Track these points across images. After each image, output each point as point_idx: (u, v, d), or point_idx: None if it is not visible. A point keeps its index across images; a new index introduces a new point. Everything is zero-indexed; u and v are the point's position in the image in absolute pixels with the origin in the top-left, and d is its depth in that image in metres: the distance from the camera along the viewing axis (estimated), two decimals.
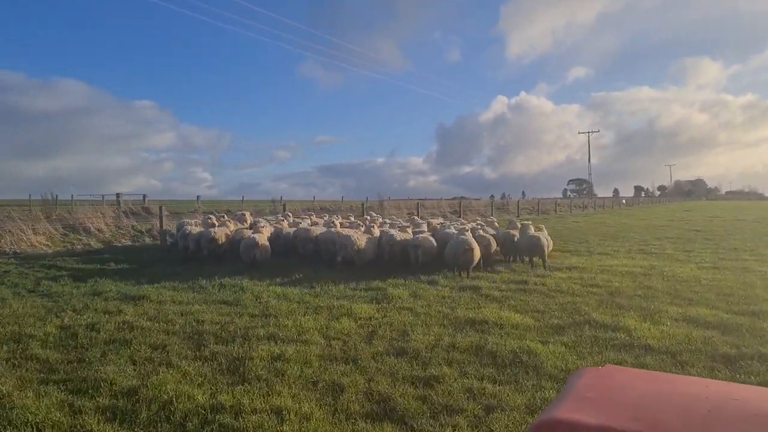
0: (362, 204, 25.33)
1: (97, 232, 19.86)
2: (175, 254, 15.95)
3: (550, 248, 15.54)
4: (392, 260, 13.76)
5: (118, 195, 43.96)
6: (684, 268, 13.53)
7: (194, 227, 15.65)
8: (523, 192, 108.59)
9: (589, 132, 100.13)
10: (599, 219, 41.39)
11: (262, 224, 15.63)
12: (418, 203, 29.75)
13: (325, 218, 19.85)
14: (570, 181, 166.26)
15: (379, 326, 7.69)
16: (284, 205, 21.69)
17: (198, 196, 51.45)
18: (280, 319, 7.99)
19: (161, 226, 18.98)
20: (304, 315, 8.35)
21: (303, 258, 14.78)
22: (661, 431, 1.57)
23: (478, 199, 67.28)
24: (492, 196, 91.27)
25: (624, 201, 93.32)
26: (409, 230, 15.15)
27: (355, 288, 10.64)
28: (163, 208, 19.79)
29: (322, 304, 9.04)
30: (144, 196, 46.59)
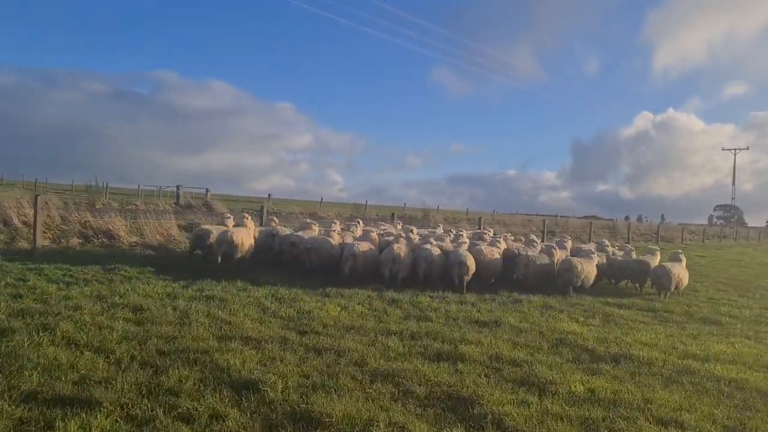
0: (393, 214, 19.39)
1: (21, 226, 15.47)
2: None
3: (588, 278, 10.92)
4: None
5: (178, 187, 40.91)
6: None
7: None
8: (662, 215, 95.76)
9: (735, 150, 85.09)
10: (734, 254, 32.38)
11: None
12: (480, 218, 23.29)
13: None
14: (717, 206, 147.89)
15: None
16: (263, 205, 16.22)
17: (269, 195, 47.68)
18: None
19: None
20: None
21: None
22: None
23: (610, 218, 58.67)
24: (627, 218, 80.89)
25: None
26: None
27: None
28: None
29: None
30: (207, 190, 43.46)
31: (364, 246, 11.83)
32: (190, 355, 5.84)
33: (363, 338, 7.16)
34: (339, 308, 8.89)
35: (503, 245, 13.34)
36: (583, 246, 14.53)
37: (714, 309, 11.50)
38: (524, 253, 12.58)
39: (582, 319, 9.60)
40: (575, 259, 12.24)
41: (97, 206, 31.61)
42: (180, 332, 6.67)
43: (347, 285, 10.73)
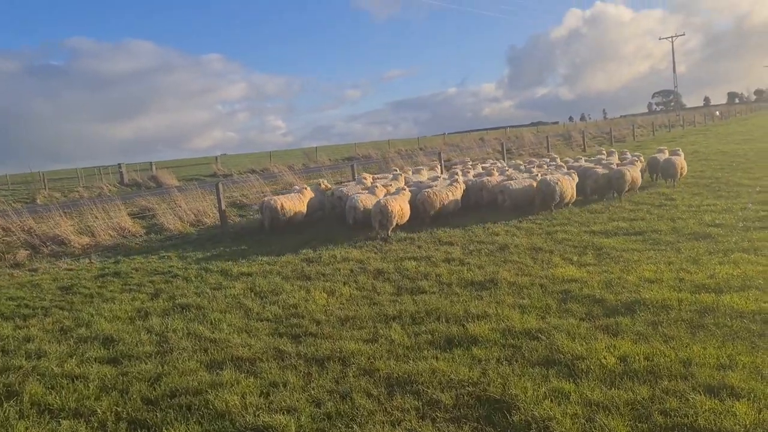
0: (353, 165, 18.56)
1: None
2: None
3: None
4: None
5: (119, 165, 39.03)
6: None
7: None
8: (604, 111, 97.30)
9: (672, 37, 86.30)
10: (690, 144, 32.65)
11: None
12: (440, 152, 22.46)
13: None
14: (655, 93, 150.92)
15: None
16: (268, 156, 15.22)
17: (217, 157, 46.09)
18: None
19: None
20: None
21: None
22: None
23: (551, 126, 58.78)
24: (571, 118, 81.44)
25: (717, 113, 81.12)
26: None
27: None
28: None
29: None
30: (151, 164, 41.57)
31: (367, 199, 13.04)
32: (181, 399, 5.18)
33: (362, 332, 6.60)
34: (325, 295, 8.29)
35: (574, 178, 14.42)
36: (628, 155, 17.45)
37: (698, 219, 11.31)
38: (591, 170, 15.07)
39: (575, 258, 9.23)
40: (624, 168, 14.49)
41: (38, 201, 29.98)
42: (163, 367, 5.98)
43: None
